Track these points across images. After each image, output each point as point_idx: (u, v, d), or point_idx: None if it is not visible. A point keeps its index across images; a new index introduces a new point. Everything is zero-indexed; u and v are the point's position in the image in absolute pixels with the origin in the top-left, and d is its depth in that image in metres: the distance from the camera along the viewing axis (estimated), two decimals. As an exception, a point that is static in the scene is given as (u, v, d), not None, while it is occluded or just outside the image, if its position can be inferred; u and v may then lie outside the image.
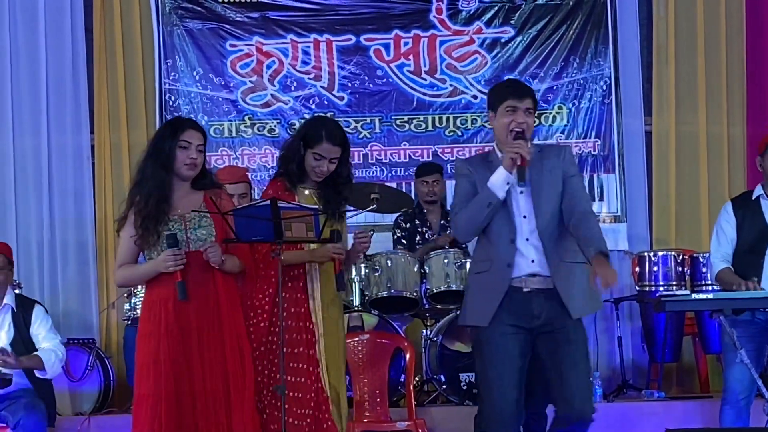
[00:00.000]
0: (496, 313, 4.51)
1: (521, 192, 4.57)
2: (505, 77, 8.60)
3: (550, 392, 4.61)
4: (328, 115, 8.43)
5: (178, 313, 4.52)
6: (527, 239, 4.55)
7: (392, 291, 7.04)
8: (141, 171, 4.65)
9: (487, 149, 5.47)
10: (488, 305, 4.53)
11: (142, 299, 4.97)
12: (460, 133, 8.67)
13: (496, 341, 4.52)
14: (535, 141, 7.80)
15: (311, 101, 8.68)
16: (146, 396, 4.49)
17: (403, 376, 6.59)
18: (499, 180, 4.52)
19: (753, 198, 5.73)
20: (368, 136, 8.69)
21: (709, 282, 6.91)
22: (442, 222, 7.55)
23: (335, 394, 4.90)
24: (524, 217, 4.56)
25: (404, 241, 7.49)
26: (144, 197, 4.57)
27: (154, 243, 4.56)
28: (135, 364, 4.61)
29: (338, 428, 4.86)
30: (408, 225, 7.54)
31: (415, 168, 8.14)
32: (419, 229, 7.53)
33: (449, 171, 8.17)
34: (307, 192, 4.96)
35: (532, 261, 4.54)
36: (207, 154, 4.76)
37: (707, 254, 5.92)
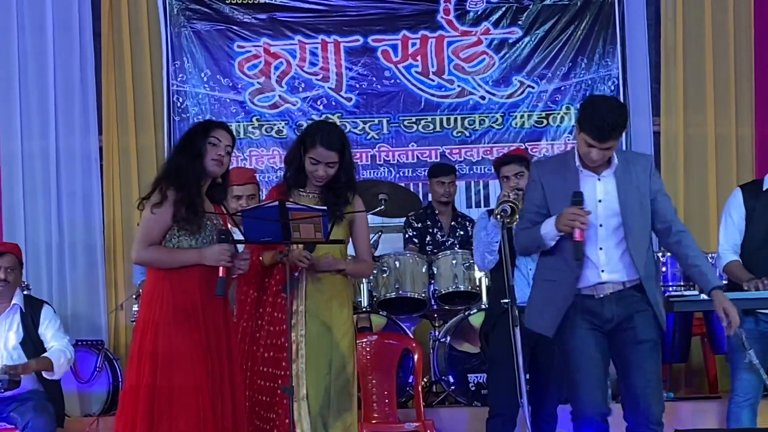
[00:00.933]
0: (573, 318, 4.49)
1: (599, 201, 4.49)
2: (514, 78, 8.60)
3: (620, 393, 4.68)
4: (336, 116, 8.44)
5: (205, 308, 4.54)
6: (600, 248, 4.48)
7: (400, 292, 7.04)
8: (174, 163, 4.65)
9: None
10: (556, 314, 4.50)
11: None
12: (468, 134, 8.66)
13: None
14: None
15: (319, 102, 8.68)
16: (191, 387, 4.43)
17: (411, 377, 6.59)
18: (549, 234, 4.47)
19: (764, 189, 5.58)
20: (376, 137, 8.68)
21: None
22: (452, 223, 7.54)
23: (311, 394, 4.80)
24: (600, 225, 4.49)
25: (416, 240, 7.48)
26: (184, 185, 4.56)
27: (195, 231, 4.55)
28: (161, 352, 4.46)
29: (299, 428, 4.74)
30: (419, 225, 7.53)
31: (422, 169, 8.13)
32: (430, 230, 7.52)
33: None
34: (308, 197, 4.94)
35: (602, 271, 4.48)
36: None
37: (715, 255, 5.88)
